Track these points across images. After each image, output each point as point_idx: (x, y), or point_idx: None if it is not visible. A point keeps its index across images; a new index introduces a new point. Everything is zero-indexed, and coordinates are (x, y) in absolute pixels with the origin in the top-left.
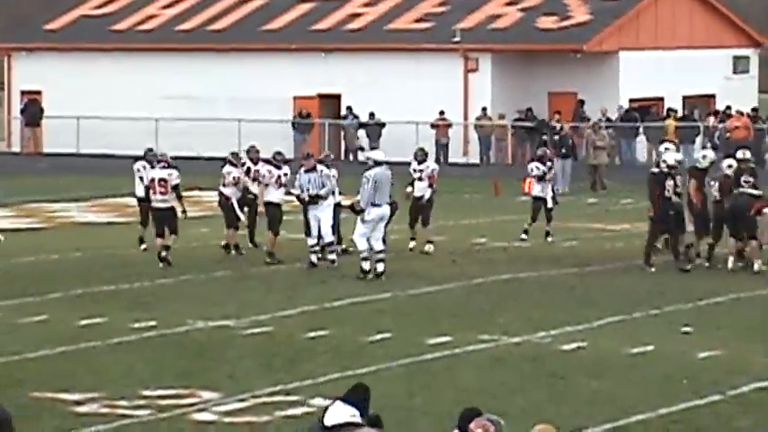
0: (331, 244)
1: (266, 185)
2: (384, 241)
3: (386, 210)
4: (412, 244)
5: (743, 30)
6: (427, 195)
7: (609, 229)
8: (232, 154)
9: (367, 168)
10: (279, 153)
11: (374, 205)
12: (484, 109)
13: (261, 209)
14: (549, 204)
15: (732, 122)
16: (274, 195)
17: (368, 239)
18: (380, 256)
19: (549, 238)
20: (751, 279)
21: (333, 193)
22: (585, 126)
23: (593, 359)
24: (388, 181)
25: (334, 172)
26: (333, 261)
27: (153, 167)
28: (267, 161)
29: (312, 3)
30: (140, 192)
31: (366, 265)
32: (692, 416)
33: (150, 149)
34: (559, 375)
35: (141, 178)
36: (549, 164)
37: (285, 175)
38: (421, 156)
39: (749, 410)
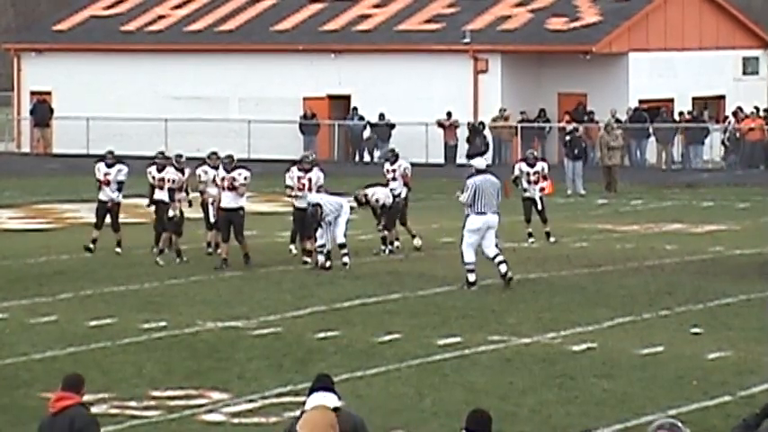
0: (343, 246)
1: (217, 189)
2: (498, 246)
3: (492, 218)
4: (397, 243)
5: (752, 31)
6: (403, 194)
7: (619, 230)
8: (210, 154)
9: (469, 176)
10: (229, 156)
11: (478, 213)
12: (503, 110)
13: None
14: (539, 206)
15: (747, 123)
16: (229, 201)
17: (478, 250)
18: (499, 258)
19: (552, 239)
20: (761, 280)
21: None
22: (595, 127)
23: (604, 360)
24: (493, 188)
25: (319, 174)
26: (345, 264)
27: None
28: (218, 165)
29: (322, 3)
30: (102, 195)
31: (472, 277)
32: (701, 416)
33: (110, 151)
34: (569, 376)
35: (100, 180)
36: (538, 165)
37: (233, 179)
38: (392, 156)
39: None
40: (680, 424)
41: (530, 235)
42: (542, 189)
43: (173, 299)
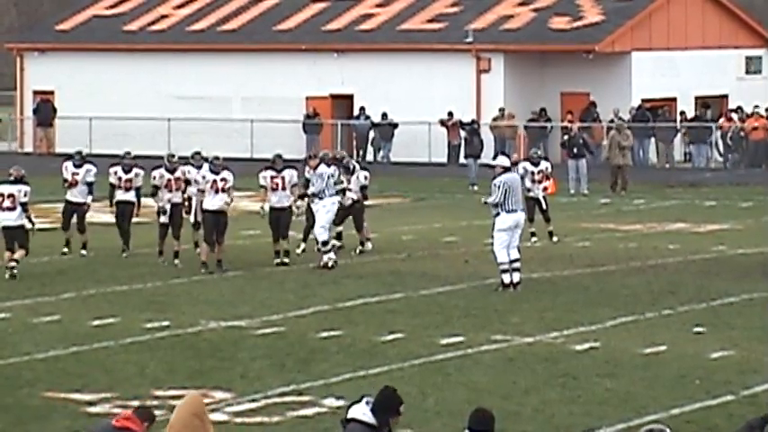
0: (326, 243)
1: (202, 191)
2: (519, 250)
3: (521, 215)
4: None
5: (755, 30)
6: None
7: (622, 230)
8: (194, 154)
9: (495, 175)
10: (216, 158)
11: (509, 212)
12: (501, 109)
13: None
14: (543, 206)
15: (751, 123)
16: (212, 203)
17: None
18: (516, 265)
19: (555, 238)
20: (764, 279)
21: (337, 192)
22: (602, 126)
23: (606, 359)
24: (519, 186)
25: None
26: (326, 263)
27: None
28: (201, 165)
29: (325, 3)
30: (70, 196)
31: (507, 278)
32: (704, 416)
33: (79, 151)
34: (572, 375)
35: (67, 180)
36: (542, 164)
37: (223, 180)
38: (345, 170)
39: (762, 411)
40: (668, 430)
41: (533, 234)
42: (545, 188)
43: (176, 298)
